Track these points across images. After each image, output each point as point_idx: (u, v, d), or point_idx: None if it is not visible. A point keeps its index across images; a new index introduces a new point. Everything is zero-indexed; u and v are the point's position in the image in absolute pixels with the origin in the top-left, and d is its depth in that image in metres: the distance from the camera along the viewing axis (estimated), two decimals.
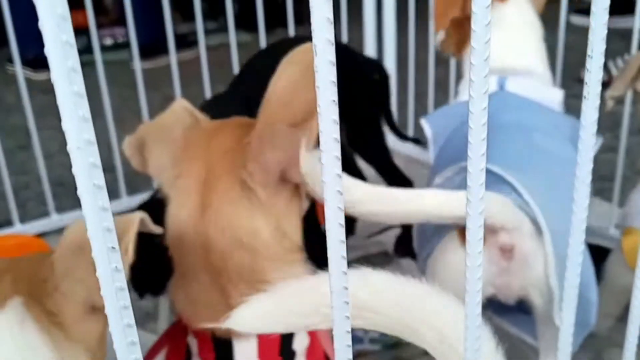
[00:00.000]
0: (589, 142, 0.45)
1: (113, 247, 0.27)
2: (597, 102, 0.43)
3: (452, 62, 1.72)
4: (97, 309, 0.55)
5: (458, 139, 0.95)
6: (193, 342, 0.63)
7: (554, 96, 1.03)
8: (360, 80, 1.26)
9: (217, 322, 0.60)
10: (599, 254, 0.87)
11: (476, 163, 0.38)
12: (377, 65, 1.31)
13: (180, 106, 0.67)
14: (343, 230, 0.35)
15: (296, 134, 0.55)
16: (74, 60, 0.26)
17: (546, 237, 0.77)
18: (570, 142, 0.90)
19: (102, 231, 0.27)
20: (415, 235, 0.99)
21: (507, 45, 1.06)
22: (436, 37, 1.26)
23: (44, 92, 2.14)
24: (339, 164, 0.34)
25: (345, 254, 0.35)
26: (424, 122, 1.05)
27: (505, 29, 1.07)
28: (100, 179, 0.27)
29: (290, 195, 0.61)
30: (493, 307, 1.18)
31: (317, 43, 0.31)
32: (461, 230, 0.81)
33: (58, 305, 0.54)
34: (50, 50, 0.26)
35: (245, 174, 0.58)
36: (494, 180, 0.82)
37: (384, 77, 1.29)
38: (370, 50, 1.95)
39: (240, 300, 0.59)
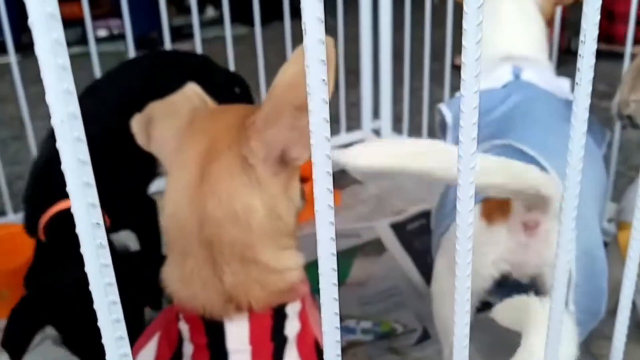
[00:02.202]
0: (579, 140, 0.45)
1: (97, 223, 0.27)
2: (589, 88, 0.43)
3: (448, 57, 1.72)
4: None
5: (484, 122, 0.95)
6: (184, 327, 0.63)
7: (564, 85, 1.04)
8: (221, 94, 1.25)
9: (211, 302, 0.61)
10: None
11: (466, 162, 0.38)
12: (237, 79, 1.31)
13: (191, 89, 0.69)
14: (332, 212, 0.35)
15: (300, 116, 0.57)
16: (59, 32, 0.26)
17: None
18: (589, 134, 0.92)
19: (86, 207, 0.27)
20: (433, 211, 1.00)
21: (510, 34, 1.07)
22: None
23: (38, 82, 2.13)
24: (329, 144, 0.33)
25: (334, 236, 0.34)
26: (444, 108, 1.05)
27: (507, 19, 1.08)
28: (84, 154, 0.27)
29: (288, 182, 0.62)
30: (502, 295, 1.18)
31: (307, 21, 0.31)
32: (483, 206, 0.82)
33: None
34: (35, 22, 0.26)
35: (247, 150, 0.59)
36: (525, 161, 0.84)
37: (245, 90, 1.30)
38: (366, 45, 1.95)
39: (232, 278, 0.60)
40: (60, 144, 0.26)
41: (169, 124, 0.65)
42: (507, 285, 1.01)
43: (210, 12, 3.31)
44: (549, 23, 1.10)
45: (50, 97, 0.26)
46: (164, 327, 0.66)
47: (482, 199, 0.82)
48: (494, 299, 1.19)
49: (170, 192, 0.62)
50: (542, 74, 1.03)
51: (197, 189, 0.60)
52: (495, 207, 0.81)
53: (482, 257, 0.81)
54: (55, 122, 0.26)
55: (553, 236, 0.80)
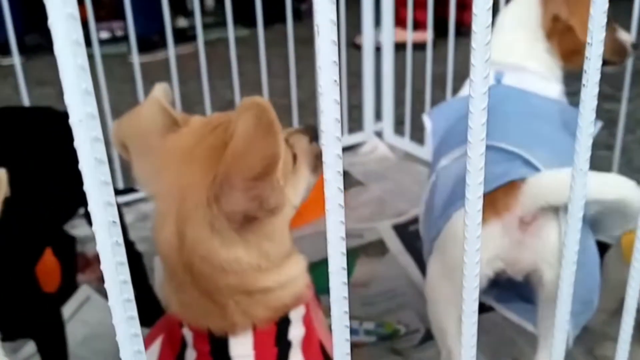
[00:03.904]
0: (587, 130, 0.45)
1: (114, 222, 0.28)
2: (596, 90, 0.44)
3: (450, 60, 1.73)
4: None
5: (464, 126, 0.97)
6: (188, 334, 0.63)
7: (550, 90, 1.06)
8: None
9: (214, 325, 0.60)
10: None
11: (475, 163, 0.39)
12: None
13: (154, 102, 0.64)
14: (342, 212, 0.35)
15: (256, 185, 0.55)
16: (78, 33, 0.26)
17: (562, 211, 0.78)
18: (564, 128, 0.94)
19: (103, 205, 0.27)
20: (420, 218, 1.00)
21: (501, 42, 1.10)
22: None
23: (41, 84, 2.13)
24: (340, 145, 0.34)
25: (344, 235, 0.35)
26: (425, 117, 1.10)
27: (503, 28, 1.12)
28: (102, 153, 0.27)
29: (267, 221, 0.59)
30: (496, 295, 1.19)
31: (320, 23, 0.31)
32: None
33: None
34: (55, 22, 0.26)
35: (212, 217, 0.56)
36: (508, 157, 0.84)
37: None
38: (368, 47, 1.95)
39: (236, 308, 0.60)
40: (78, 144, 0.27)
41: (143, 161, 0.63)
42: (500, 284, 1.01)
43: (182, 21, 3.23)
44: (552, 35, 1.12)
45: (69, 97, 0.26)
46: (167, 330, 0.66)
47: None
48: (487, 298, 1.19)
49: (156, 235, 0.61)
50: (524, 78, 1.06)
51: (179, 246, 0.58)
52: (486, 205, 0.82)
53: None
54: (73, 121, 0.26)
55: (546, 230, 0.81)
